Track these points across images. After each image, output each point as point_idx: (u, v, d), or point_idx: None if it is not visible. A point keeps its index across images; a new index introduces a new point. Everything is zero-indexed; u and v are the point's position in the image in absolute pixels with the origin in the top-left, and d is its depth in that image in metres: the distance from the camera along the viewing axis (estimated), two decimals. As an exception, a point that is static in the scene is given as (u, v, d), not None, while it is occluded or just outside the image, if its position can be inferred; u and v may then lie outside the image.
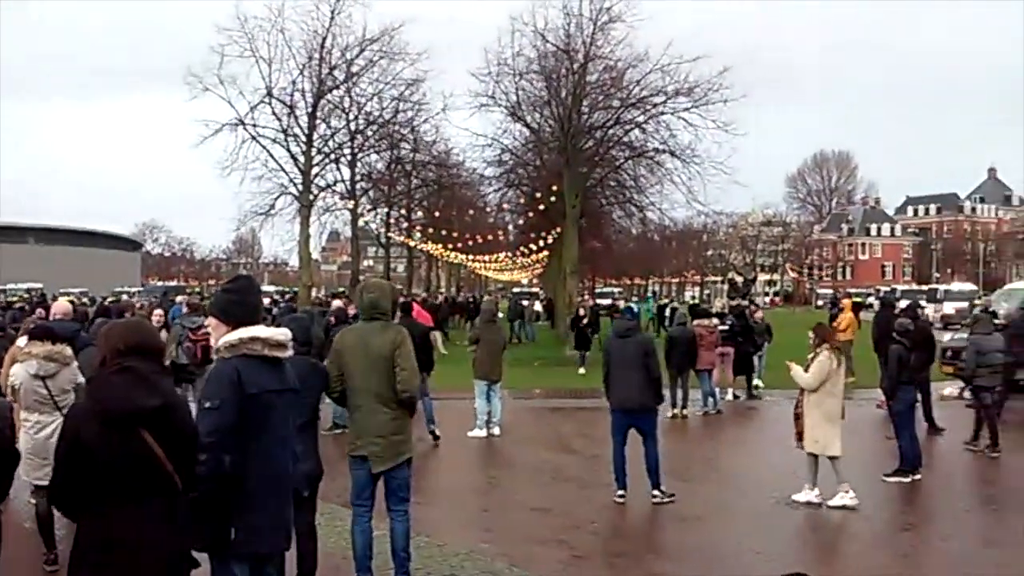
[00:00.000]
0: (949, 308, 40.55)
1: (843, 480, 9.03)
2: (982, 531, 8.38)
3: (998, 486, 10.17)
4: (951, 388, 16.48)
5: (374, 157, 38.85)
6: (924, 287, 59.78)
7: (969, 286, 52.86)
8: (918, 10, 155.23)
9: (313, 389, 5.71)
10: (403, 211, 45.49)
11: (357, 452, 6.10)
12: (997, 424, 11.86)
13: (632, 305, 17.50)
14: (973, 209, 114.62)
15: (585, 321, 22.84)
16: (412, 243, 46.17)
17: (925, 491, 9.98)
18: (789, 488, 9.29)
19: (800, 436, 9.30)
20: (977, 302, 20.08)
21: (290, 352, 4.22)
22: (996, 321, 16.74)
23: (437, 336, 24.98)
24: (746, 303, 24.87)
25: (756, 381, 17.58)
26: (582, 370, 21.31)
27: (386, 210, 43.03)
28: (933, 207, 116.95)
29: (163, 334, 11.14)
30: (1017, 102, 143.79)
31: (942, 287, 54.03)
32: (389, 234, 44.49)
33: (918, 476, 10.21)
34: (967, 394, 15.81)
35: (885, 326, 13.41)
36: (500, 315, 16.90)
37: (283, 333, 4.18)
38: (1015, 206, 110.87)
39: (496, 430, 13.16)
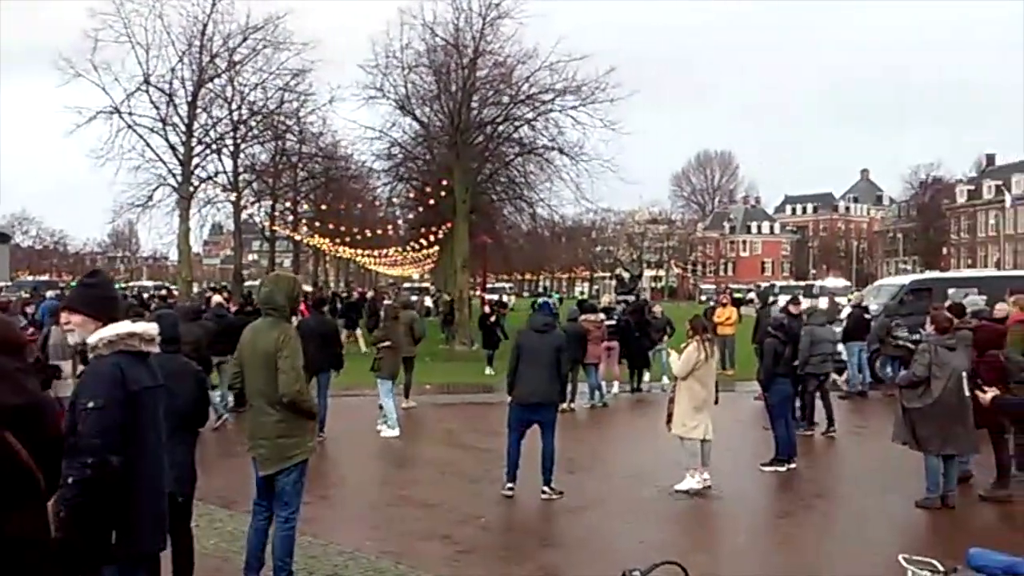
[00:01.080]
0: (824, 303, 42.33)
1: (705, 465, 9.40)
2: (854, 515, 8.74)
3: (869, 471, 10.63)
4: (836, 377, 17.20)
5: (258, 148, 37.91)
6: (801, 283, 62.25)
7: (843, 282, 55.44)
8: (798, 15, 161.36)
9: (183, 389, 5.38)
10: (288, 204, 44.49)
11: (250, 453, 5.92)
12: (829, 405, 13.17)
13: (550, 301, 17.50)
14: (847, 208, 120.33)
15: (493, 319, 21.95)
16: (298, 237, 45.27)
17: (800, 479, 10.37)
18: (673, 478, 9.50)
19: (669, 419, 9.60)
20: (850, 297, 20.95)
21: (156, 348, 4.04)
22: (866, 316, 17.68)
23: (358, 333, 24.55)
24: (641, 299, 25.41)
25: (646, 376, 17.96)
26: (489, 370, 20.26)
27: (271, 203, 41.97)
28: (810, 206, 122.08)
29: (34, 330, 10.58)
30: (890, 107, 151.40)
31: (818, 283, 56.47)
32: (274, 227, 43.44)
33: (793, 465, 10.61)
34: (844, 385, 16.65)
35: (763, 321, 13.91)
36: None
37: (154, 327, 4.01)
38: (885, 206, 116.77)
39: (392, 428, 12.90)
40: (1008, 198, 66.95)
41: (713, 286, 78.03)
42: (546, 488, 9.15)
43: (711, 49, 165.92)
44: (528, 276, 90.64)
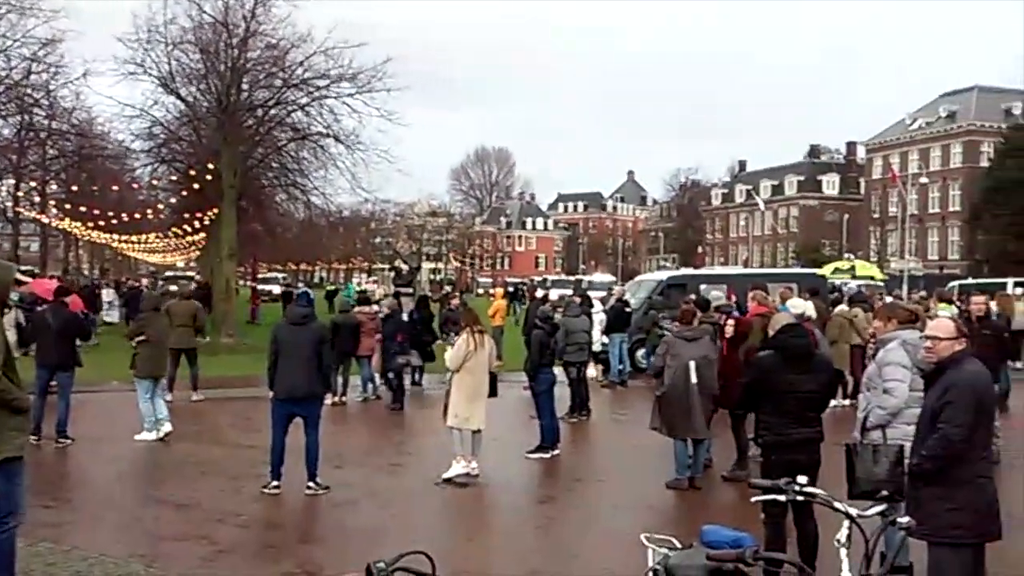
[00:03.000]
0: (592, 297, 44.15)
1: (474, 454, 9.54)
2: (610, 497, 9.17)
3: (627, 456, 11.19)
4: (592, 370, 17.91)
5: (0, 123, 34.38)
6: (571, 277, 64.77)
7: (609, 277, 58.17)
8: (577, 25, 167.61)
9: None
10: (35, 184, 40.72)
11: None
12: (585, 393, 13.87)
13: (308, 291, 16.91)
14: (615, 208, 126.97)
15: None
16: (46, 220, 41.56)
17: (563, 465, 10.74)
18: (443, 468, 9.54)
19: (446, 411, 9.66)
20: (614, 290, 22.00)
21: None
22: (627, 309, 18.62)
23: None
24: (411, 290, 25.30)
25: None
26: None
27: (14, 182, 38.23)
28: (581, 204, 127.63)
29: None
30: (654, 114, 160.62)
31: (586, 278, 58.95)
32: (17, 209, 39.60)
33: (557, 452, 10.97)
34: (601, 376, 17.43)
35: (533, 313, 14.27)
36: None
37: None
38: (649, 206, 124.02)
39: (167, 427, 11.79)
40: (760, 202, 72.91)
41: (490, 279, 79.65)
42: (311, 483, 8.91)
43: (496, 48, 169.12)
44: (304, 266, 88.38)
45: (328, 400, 13.87)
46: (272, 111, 28.01)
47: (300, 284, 71.23)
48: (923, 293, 24.18)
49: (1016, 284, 35.62)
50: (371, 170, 27.61)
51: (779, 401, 6.21)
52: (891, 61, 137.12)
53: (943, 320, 5.29)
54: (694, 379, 9.17)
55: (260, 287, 45.11)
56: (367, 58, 26.65)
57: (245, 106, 27.34)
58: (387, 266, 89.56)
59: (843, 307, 16.27)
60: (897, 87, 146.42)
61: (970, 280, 35.22)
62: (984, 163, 62.49)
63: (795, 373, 6.23)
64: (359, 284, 51.78)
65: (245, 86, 27.25)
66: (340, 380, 15.10)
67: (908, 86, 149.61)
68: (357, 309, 16.19)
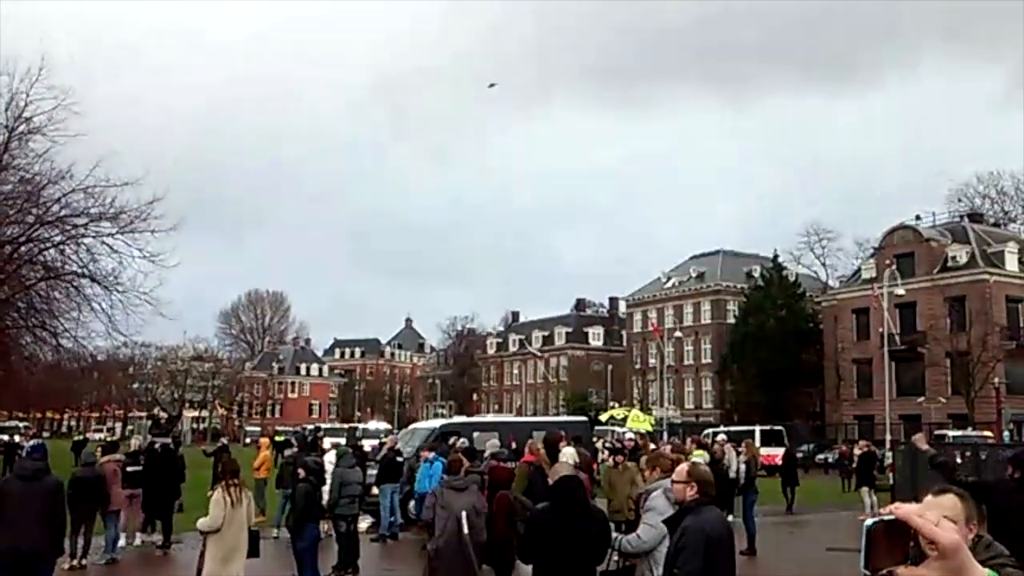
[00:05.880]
0: (367, 446, 43.31)
1: None
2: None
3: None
4: (363, 522, 17.35)
5: None
6: (347, 425, 63.33)
7: (384, 425, 57.46)
8: (341, 172, 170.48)
9: None
10: None
11: None
12: (355, 548, 13.23)
13: (42, 443, 15.36)
14: (392, 354, 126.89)
15: None
16: None
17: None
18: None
19: (199, 573, 8.93)
20: (386, 440, 21.70)
21: None
22: (399, 459, 18.38)
23: None
24: (169, 440, 23.64)
25: None
26: None
27: None
28: (358, 350, 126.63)
29: None
30: (431, 263, 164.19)
31: (360, 425, 57.89)
32: None
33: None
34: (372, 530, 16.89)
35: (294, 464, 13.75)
36: None
37: None
38: (427, 353, 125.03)
39: None
40: (533, 351, 75.61)
41: (259, 428, 76.27)
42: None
43: (272, 190, 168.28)
44: (51, 414, 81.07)
45: (65, 564, 12.59)
46: (22, 248, 26.18)
47: (45, 433, 65.06)
48: (675, 439, 25.57)
49: (762, 432, 38.71)
50: (130, 312, 26.19)
51: (555, 552, 6.24)
52: (647, 223, 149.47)
53: (681, 466, 5.61)
54: (466, 530, 9.05)
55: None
56: (133, 195, 25.71)
57: (-8, 242, 25.45)
58: (145, 413, 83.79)
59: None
60: (655, 247, 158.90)
61: (721, 428, 37.80)
62: (731, 320, 68.45)
63: (571, 524, 6.30)
64: (109, 434, 47.90)
65: (-7, 220, 25.46)
66: (81, 541, 13.68)
67: (664, 246, 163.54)
68: (105, 459, 14.92)
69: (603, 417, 44.62)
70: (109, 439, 25.55)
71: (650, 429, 45.10)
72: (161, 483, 16.02)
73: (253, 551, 9.27)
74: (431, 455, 16.31)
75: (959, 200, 68.68)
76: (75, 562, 13.46)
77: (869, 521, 1.42)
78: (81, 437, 51.68)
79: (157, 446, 17.93)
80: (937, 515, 1.40)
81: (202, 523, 8.97)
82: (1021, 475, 6.39)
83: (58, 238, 25.92)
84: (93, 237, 25.66)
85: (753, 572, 13.73)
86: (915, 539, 1.39)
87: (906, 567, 1.39)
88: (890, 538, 1.40)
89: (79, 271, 26.18)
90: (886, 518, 1.41)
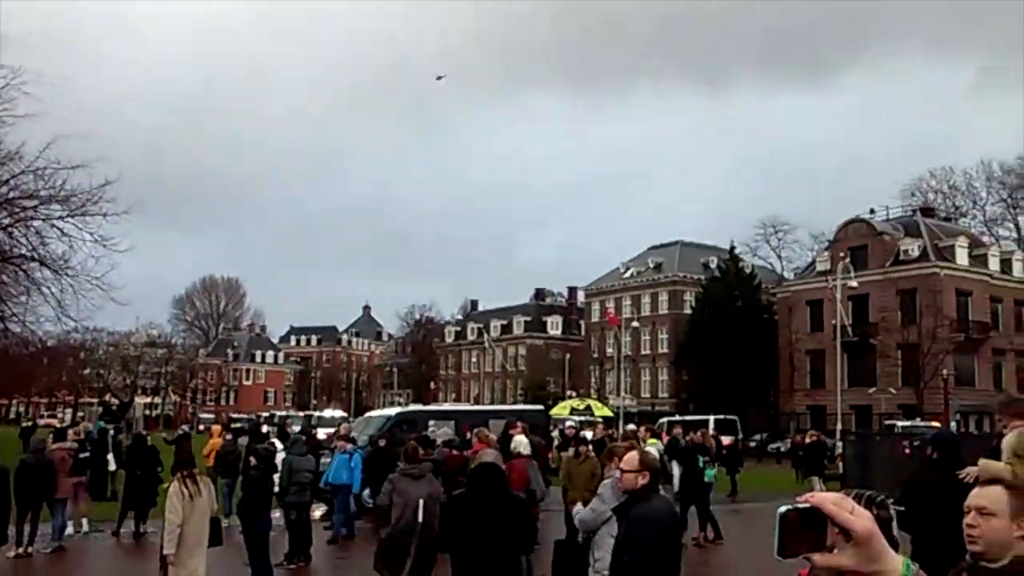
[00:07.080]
0: (322, 434, 43.07)
1: None
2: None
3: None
4: (316, 511, 17.22)
5: None
6: (303, 413, 62.91)
7: (340, 413, 57.13)
8: (318, 151, 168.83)
9: None
10: None
11: None
12: (307, 537, 13.18)
13: None
14: (350, 342, 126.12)
15: None
16: None
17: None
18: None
19: (163, 566, 8.75)
20: (342, 427, 21.51)
21: None
22: (355, 446, 18.23)
23: None
24: (144, 431, 23.21)
25: None
26: None
27: None
28: (315, 338, 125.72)
29: None
30: (389, 250, 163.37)
31: (316, 413, 57.55)
32: None
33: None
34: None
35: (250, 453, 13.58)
36: None
37: None
38: (384, 341, 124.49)
39: None
40: (487, 341, 75.63)
41: (213, 415, 75.44)
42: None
43: (231, 180, 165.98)
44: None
45: (10, 552, 12.39)
46: (-32, 230, 25.57)
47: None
48: (632, 427, 25.66)
49: (716, 421, 39.13)
50: (81, 297, 25.66)
51: (471, 539, 6.20)
52: (608, 214, 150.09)
53: (632, 454, 5.63)
54: (421, 518, 9.00)
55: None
56: (84, 178, 25.15)
57: (-65, 223, 24.79)
58: (96, 400, 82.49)
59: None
60: (615, 238, 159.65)
61: (676, 417, 38.13)
62: (688, 311, 69.05)
63: (488, 511, 6.25)
64: (59, 421, 46.98)
65: (-63, 202, 24.79)
66: (27, 528, 13.41)
67: (625, 237, 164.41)
68: (55, 446, 14.66)
69: (562, 411, 44.75)
70: (59, 425, 25.05)
71: (611, 415, 45.64)
72: (142, 474, 15.50)
73: (215, 539, 9.10)
74: (349, 447, 16.18)
75: (912, 195, 70.02)
76: (20, 550, 13.20)
77: (782, 508, 1.43)
78: (30, 423, 50.74)
79: (123, 436, 17.47)
80: (852, 504, 1.43)
81: (169, 521, 8.66)
82: (940, 455, 6.53)
83: (6, 221, 25.29)
84: (43, 220, 25.10)
85: (707, 558, 13.86)
86: (831, 528, 1.42)
87: (821, 555, 1.42)
88: (804, 526, 1.42)
89: (28, 254, 25.58)
90: (800, 506, 1.43)
